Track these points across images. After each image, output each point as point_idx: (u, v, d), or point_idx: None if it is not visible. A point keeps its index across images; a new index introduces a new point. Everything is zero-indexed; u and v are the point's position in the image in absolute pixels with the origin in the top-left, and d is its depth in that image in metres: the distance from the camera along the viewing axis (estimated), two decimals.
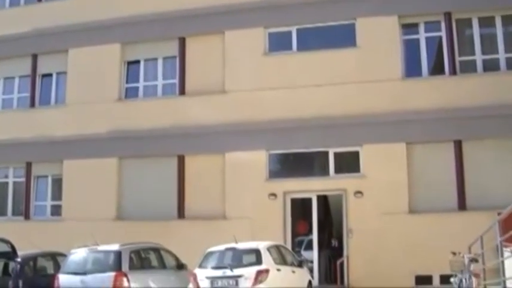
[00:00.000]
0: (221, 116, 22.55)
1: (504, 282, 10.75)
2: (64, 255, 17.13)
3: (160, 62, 24.33)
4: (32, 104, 25.65)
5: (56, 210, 24.55)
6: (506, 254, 11.75)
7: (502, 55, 21.16)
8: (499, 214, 10.93)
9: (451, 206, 20.45)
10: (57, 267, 16.80)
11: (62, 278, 15.72)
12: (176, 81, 23.87)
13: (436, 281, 20.04)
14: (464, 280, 13.89)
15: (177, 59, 23.92)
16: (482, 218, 15.58)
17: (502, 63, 21.16)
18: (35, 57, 25.89)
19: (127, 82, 24.61)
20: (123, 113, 23.84)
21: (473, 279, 13.22)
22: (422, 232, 19.90)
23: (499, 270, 11.33)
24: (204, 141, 22.63)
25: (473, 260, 13.73)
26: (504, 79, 20.61)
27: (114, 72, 24.35)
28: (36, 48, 25.75)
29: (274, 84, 22.22)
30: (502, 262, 11.08)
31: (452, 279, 15.01)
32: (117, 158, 23.77)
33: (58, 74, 25.59)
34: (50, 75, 25.80)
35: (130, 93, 24.54)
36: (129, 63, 24.70)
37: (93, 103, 24.02)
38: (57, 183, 24.67)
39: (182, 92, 23.65)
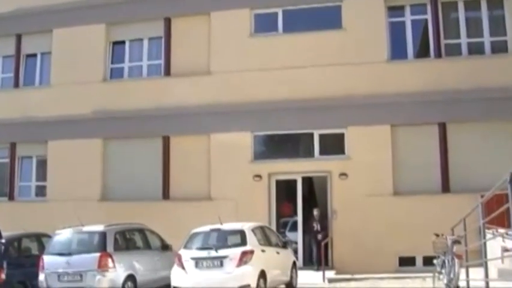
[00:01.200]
0: (206, 97, 22.50)
1: (486, 263, 10.86)
2: (49, 236, 17.12)
3: (145, 43, 24.23)
4: (16, 85, 25.45)
5: (41, 191, 24.50)
6: (488, 235, 11.87)
7: (487, 39, 21.25)
8: (482, 196, 11.01)
9: (435, 188, 20.61)
10: (42, 248, 16.78)
11: (47, 259, 15.74)
12: (161, 62, 23.79)
13: (419, 262, 20.24)
14: (447, 261, 14.01)
15: (163, 40, 23.82)
16: (465, 200, 15.69)
17: (487, 47, 21.25)
18: (19, 37, 25.65)
19: (112, 63, 24.47)
20: (108, 93, 23.73)
21: (456, 260, 13.32)
22: (406, 214, 20.06)
23: (481, 252, 11.44)
24: (189, 122, 22.60)
25: (456, 242, 13.83)
26: (489, 62, 20.70)
27: (99, 53, 24.21)
28: (21, 28, 25.51)
29: (259, 65, 22.20)
30: (484, 244, 11.19)
31: (435, 261, 15.14)
32: (102, 138, 23.71)
33: (42, 54, 25.39)
34: (35, 55, 25.60)
35: (116, 74, 24.44)
36: (114, 43, 24.58)
37: (78, 84, 23.86)
38: (42, 164, 24.58)
39: (167, 72, 23.58)
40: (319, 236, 20.61)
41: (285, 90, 21.72)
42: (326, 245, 20.25)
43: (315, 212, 21.21)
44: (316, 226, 20.93)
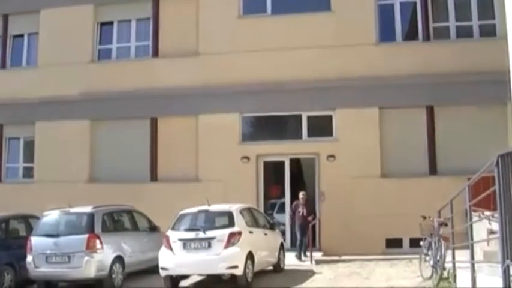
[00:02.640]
0: (195, 79, 22.43)
1: (472, 245, 10.95)
2: (36, 218, 17.09)
3: (133, 24, 24.08)
4: (3, 65, 25.24)
5: (28, 173, 24.42)
6: (474, 218, 11.94)
7: (475, 22, 21.30)
8: (468, 179, 11.06)
9: (422, 170, 20.72)
10: (30, 230, 16.76)
11: (35, 240, 15.77)
12: (150, 43, 23.67)
13: (406, 244, 20.36)
14: (433, 243, 14.11)
15: (151, 21, 23.67)
16: (452, 183, 15.75)
17: (475, 31, 21.31)
18: (5, 18, 25.40)
19: (100, 43, 24.33)
20: (95, 74, 23.60)
21: (442, 242, 13.43)
22: (394, 196, 20.17)
23: (468, 234, 11.52)
24: (178, 104, 22.54)
25: (443, 224, 13.94)
26: (477, 46, 20.73)
27: (87, 34, 24.05)
28: (7, 8, 25.28)
29: (248, 47, 22.15)
30: (471, 226, 11.26)
31: (422, 243, 15.22)
32: (89, 120, 23.60)
33: (30, 34, 25.16)
34: (22, 36, 25.37)
35: (103, 55, 24.31)
36: (102, 24, 24.41)
37: (65, 64, 23.68)
38: (29, 145, 24.46)
39: (156, 54, 23.49)
40: (311, 220, 20.03)
41: (273, 72, 21.70)
42: (313, 227, 20.27)
43: (301, 195, 20.30)
44: (302, 210, 19.99)
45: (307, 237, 19.72)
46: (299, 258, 19.57)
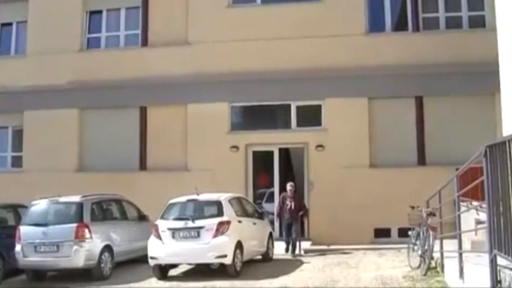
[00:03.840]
0: (184, 68, 22.38)
1: (460, 235, 11.00)
2: (25, 207, 17.05)
3: (123, 12, 23.97)
4: None
5: (17, 162, 24.27)
6: (462, 208, 12.02)
7: (464, 13, 21.41)
8: (457, 169, 11.11)
9: (411, 160, 20.82)
10: (18, 219, 16.73)
11: (24, 230, 15.75)
12: (139, 32, 23.60)
13: (394, 234, 20.47)
14: (421, 233, 14.17)
15: (140, 10, 23.58)
16: (441, 173, 15.77)
17: (465, 21, 21.42)
18: None
19: (89, 32, 24.19)
20: (84, 63, 23.47)
21: (431, 232, 13.49)
22: (382, 186, 20.24)
23: (455, 224, 11.59)
24: (167, 93, 22.47)
25: (431, 214, 13.99)
26: (466, 37, 20.82)
27: (76, 22, 23.90)
28: None
29: (237, 36, 22.11)
30: (459, 216, 11.34)
31: (410, 232, 15.28)
32: (78, 109, 23.49)
33: (18, 23, 24.97)
34: (10, 24, 25.15)
35: (93, 44, 24.18)
36: (92, 13, 24.26)
37: (54, 53, 23.52)
38: (18, 134, 24.29)
39: (145, 43, 23.42)
40: (302, 215, 19.47)
41: (263, 61, 21.69)
42: (301, 217, 19.82)
43: (289, 186, 19.50)
44: (290, 204, 19.14)
45: (297, 233, 19.08)
46: (287, 250, 19.10)
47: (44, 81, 23.26)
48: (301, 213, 19.51)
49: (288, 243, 19.11)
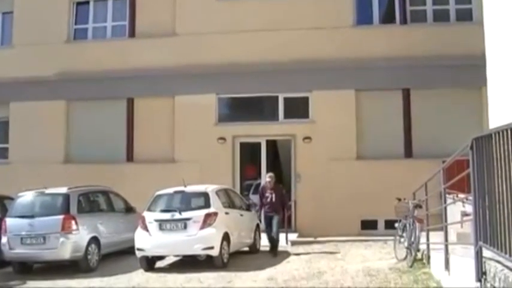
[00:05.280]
0: (171, 59, 22.34)
1: (446, 227, 11.05)
2: (11, 199, 16.96)
3: (110, 4, 23.87)
4: None
5: (3, 153, 24.13)
6: (448, 200, 12.06)
7: (452, 6, 21.51)
8: (443, 162, 11.16)
9: (398, 153, 20.89)
10: (5, 211, 16.63)
11: (10, 221, 15.68)
12: (126, 23, 23.51)
13: (381, 225, 20.55)
14: (408, 225, 14.23)
15: (127, 1, 23.49)
16: (427, 165, 15.86)
17: (452, 15, 21.51)
18: None
19: (76, 23, 24.06)
20: (71, 54, 23.37)
21: (417, 224, 13.55)
22: (369, 178, 20.31)
23: (442, 216, 11.63)
24: (154, 84, 22.42)
25: (418, 206, 14.06)
26: (453, 30, 20.86)
27: (63, 13, 23.77)
28: None
29: (225, 28, 22.09)
30: (445, 208, 11.37)
31: (396, 224, 15.34)
32: (65, 100, 23.40)
33: (4, 14, 24.78)
34: None
35: (79, 35, 24.07)
36: (78, 4, 24.13)
37: (40, 44, 23.40)
38: (4, 126, 24.10)
39: (132, 34, 23.34)
40: (287, 211, 18.37)
41: (251, 53, 21.69)
42: (283, 209, 18.04)
43: (267, 178, 18.00)
44: (271, 195, 17.57)
45: (277, 228, 17.35)
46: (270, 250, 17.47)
47: (30, 73, 23.12)
48: (286, 211, 18.42)
49: (268, 239, 17.49)
